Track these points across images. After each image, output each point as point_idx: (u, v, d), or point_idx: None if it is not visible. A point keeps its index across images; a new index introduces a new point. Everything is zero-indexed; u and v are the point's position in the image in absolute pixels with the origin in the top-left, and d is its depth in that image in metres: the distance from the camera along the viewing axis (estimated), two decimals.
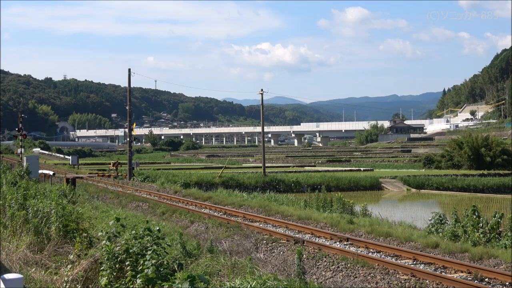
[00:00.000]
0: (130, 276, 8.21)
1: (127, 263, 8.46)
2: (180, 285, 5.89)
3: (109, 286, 8.47)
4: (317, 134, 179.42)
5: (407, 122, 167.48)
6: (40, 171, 38.63)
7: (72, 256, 10.44)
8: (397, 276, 12.02)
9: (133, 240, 8.86)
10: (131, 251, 8.65)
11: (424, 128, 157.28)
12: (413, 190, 42.60)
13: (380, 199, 38.95)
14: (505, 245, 14.70)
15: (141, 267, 8.22)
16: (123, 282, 8.40)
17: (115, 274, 8.68)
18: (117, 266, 8.71)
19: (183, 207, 24.34)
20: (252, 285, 7.69)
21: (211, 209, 23.94)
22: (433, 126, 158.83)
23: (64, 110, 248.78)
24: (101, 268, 8.80)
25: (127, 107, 46.01)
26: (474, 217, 16.22)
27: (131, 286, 8.17)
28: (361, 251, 14.18)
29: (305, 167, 61.06)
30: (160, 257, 8.38)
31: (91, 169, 57.14)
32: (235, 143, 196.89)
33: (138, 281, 7.93)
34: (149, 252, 8.24)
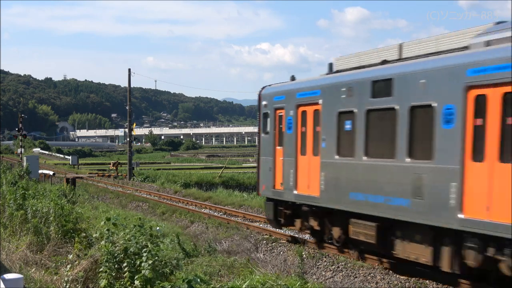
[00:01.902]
0: (128, 276, 8.21)
1: (124, 264, 8.45)
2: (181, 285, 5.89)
3: (109, 287, 8.47)
4: None
5: None
6: (40, 171, 38.64)
7: (72, 256, 10.44)
8: (397, 276, 12.02)
9: (130, 241, 8.85)
10: (129, 251, 8.65)
11: None
12: None
13: None
14: None
15: (138, 267, 8.21)
16: (122, 282, 8.40)
17: (114, 274, 8.68)
18: (115, 266, 8.71)
19: (183, 207, 24.35)
20: (252, 285, 7.69)
21: (211, 209, 23.95)
22: None
23: (64, 110, 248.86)
24: (100, 270, 8.79)
25: (127, 107, 46.04)
26: None
27: (129, 287, 8.17)
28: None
29: None
30: (157, 257, 8.37)
31: (91, 169, 57.16)
32: (235, 143, 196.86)
33: (136, 282, 7.92)
34: (145, 254, 8.22)
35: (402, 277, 11.96)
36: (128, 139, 48.01)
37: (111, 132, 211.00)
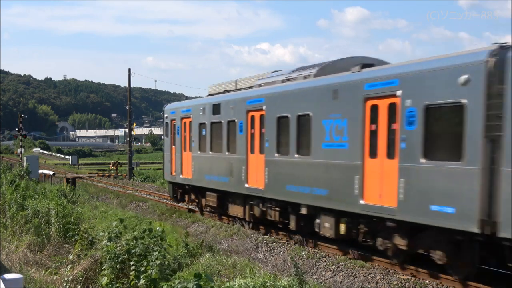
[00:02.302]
0: (134, 276, 8.23)
1: (131, 262, 8.50)
2: (186, 284, 5.91)
3: (110, 285, 8.49)
4: None
5: None
6: (40, 171, 38.64)
7: (72, 256, 10.45)
8: (397, 276, 12.02)
9: (134, 241, 8.88)
10: (133, 251, 8.67)
11: None
12: None
13: None
14: None
15: (144, 267, 8.25)
16: (125, 281, 8.42)
17: (116, 274, 8.70)
18: (118, 266, 8.73)
19: (183, 207, 24.34)
20: (252, 285, 7.69)
21: None
22: None
23: (64, 110, 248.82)
24: (103, 268, 8.82)
25: (127, 107, 46.04)
26: None
27: (133, 286, 8.18)
28: (361, 251, 14.17)
29: None
30: (164, 258, 8.41)
31: (91, 169, 57.13)
32: None
33: (142, 281, 7.95)
34: (155, 254, 8.27)
35: (402, 277, 11.96)
36: (128, 139, 48.01)
37: (111, 132, 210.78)
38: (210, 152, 19.53)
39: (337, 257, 13.80)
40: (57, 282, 9.58)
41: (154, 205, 25.62)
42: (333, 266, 13.20)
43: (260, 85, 17.30)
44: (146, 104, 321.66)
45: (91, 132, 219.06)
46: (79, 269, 9.58)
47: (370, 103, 12.20)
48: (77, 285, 9.32)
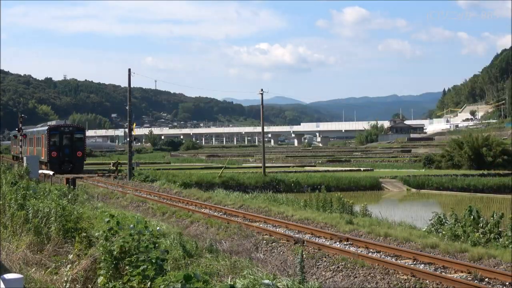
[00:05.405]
0: (129, 275, 8.20)
1: (125, 261, 8.45)
2: (175, 285, 5.87)
3: (107, 285, 8.47)
4: (317, 134, 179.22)
5: (407, 122, 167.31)
6: (40, 171, 38.64)
7: (72, 256, 10.46)
8: (397, 276, 12.03)
9: (129, 238, 8.84)
10: (127, 249, 8.64)
11: (424, 128, 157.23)
12: (413, 190, 42.57)
13: (380, 199, 38.94)
14: (505, 245, 14.71)
15: (138, 264, 8.20)
16: (120, 282, 8.40)
17: (111, 272, 8.68)
18: (113, 265, 8.70)
19: (183, 207, 24.35)
20: (252, 285, 7.70)
21: (211, 209, 23.94)
22: (433, 126, 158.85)
23: (64, 110, 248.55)
24: (99, 266, 8.79)
25: (127, 107, 46.00)
26: (472, 217, 16.18)
27: (129, 284, 8.16)
28: (361, 251, 14.19)
29: (305, 167, 60.96)
30: (159, 256, 8.36)
31: (91, 169, 56.99)
32: (235, 143, 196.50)
33: (134, 280, 7.91)
34: (141, 250, 8.20)
35: (402, 277, 11.97)
36: (128, 139, 48.03)
37: (111, 132, 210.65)
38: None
39: (337, 257, 13.80)
40: (57, 282, 9.59)
41: (155, 206, 25.61)
42: (333, 266, 13.20)
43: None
44: (146, 104, 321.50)
45: (91, 132, 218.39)
46: (79, 269, 9.59)
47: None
48: (77, 285, 9.32)
